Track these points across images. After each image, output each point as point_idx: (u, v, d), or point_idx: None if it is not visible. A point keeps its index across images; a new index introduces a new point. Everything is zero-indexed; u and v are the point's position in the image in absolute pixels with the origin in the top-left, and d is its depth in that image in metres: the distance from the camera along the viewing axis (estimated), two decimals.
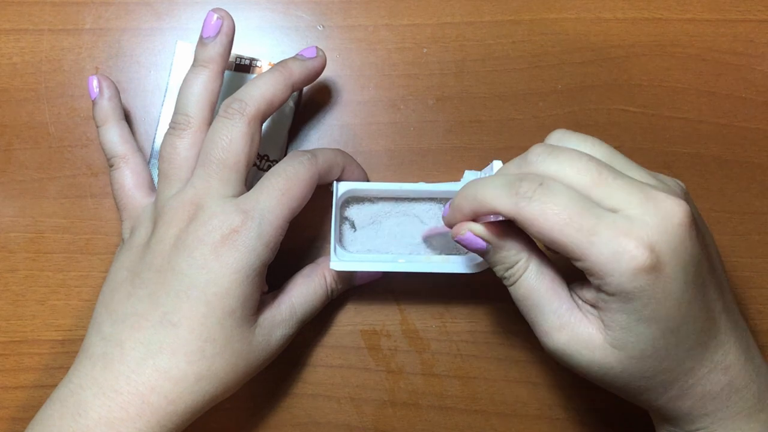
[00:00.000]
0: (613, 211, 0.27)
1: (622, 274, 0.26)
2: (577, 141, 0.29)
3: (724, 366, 0.29)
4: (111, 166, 0.37)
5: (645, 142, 0.41)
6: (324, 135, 0.42)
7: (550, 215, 0.26)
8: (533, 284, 0.30)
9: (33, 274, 0.40)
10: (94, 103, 0.38)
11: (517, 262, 0.30)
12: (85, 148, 0.41)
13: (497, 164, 0.32)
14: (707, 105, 0.42)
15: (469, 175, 0.36)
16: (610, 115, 0.41)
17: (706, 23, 0.42)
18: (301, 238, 0.40)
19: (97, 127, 0.38)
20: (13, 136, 0.41)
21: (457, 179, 0.37)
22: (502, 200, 0.27)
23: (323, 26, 0.42)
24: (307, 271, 0.37)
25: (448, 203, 0.31)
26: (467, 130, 0.41)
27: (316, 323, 0.39)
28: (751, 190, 0.41)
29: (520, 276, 0.30)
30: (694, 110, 0.42)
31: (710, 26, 0.42)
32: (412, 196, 0.37)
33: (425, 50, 0.42)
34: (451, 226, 0.31)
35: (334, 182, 0.36)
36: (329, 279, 0.37)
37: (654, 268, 0.26)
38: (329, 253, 0.35)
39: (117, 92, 0.38)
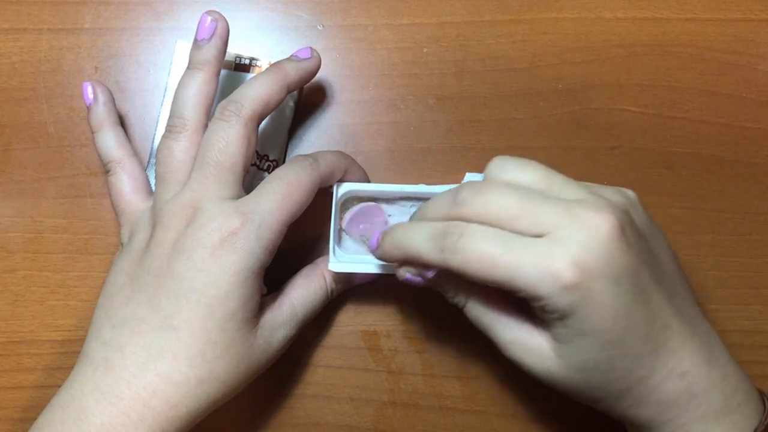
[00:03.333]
0: (541, 235, 0.27)
1: (551, 295, 0.27)
2: (512, 167, 0.30)
3: (679, 372, 0.29)
4: (108, 171, 0.37)
5: (645, 141, 0.41)
6: (324, 135, 0.42)
7: (475, 262, 0.28)
8: (479, 309, 0.32)
9: (32, 274, 0.40)
10: (89, 108, 0.38)
11: (456, 294, 0.32)
12: (84, 148, 0.41)
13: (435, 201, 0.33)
14: (708, 105, 0.42)
15: (469, 177, 0.36)
16: (610, 115, 0.41)
17: (706, 23, 0.42)
18: (301, 238, 0.40)
19: (93, 132, 0.38)
20: (11, 135, 0.41)
21: (457, 179, 0.37)
22: (429, 255, 0.29)
23: (323, 26, 0.42)
24: (306, 271, 0.37)
25: (374, 237, 0.33)
26: (467, 130, 0.41)
27: (316, 324, 0.39)
28: (752, 190, 0.41)
29: (465, 303, 0.32)
30: (695, 110, 0.42)
31: (711, 26, 0.42)
32: (412, 197, 0.37)
33: (425, 50, 0.42)
34: (381, 259, 0.33)
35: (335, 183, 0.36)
36: (329, 279, 0.37)
37: (581, 284, 0.26)
38: (328, 254, 0.35)
39: (111, 97, 0.38)
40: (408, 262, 0.31)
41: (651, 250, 0.30)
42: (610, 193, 0.30)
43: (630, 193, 0.31)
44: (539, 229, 0.28)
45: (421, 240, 0.30)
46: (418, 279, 0.32)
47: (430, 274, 0.31)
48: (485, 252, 0.27)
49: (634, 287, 0.28)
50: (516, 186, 0.29)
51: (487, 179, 0.30)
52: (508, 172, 0.30)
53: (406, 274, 0.32)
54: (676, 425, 0.30)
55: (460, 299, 0.32)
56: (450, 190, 0.30)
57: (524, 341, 0.30)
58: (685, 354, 0.29)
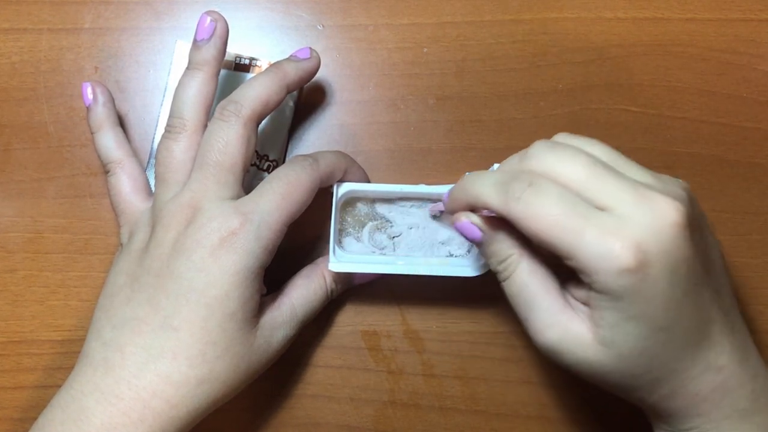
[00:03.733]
0: (605, 209, 0.27)
1: (608, 274, 0.26)
2: (579, 141, 0.30)
3: (716, 366, 0.29)
4: (107, 171, 0.37)
5: (645, 141, 0.41)
6: (324, 135, 0.42)
7: (538, 216, 0.27)
8: (525, 280, 0.30)
9: (32, 274, 0.40)
10: (88, 109, 0.38)
11: (509, 256, 0.30)
12: (84, 148, 0.41)
13: (497, 167, 0.33)
14: (708, 105, 0.42)
15: None
16: (610, 115, 0.41)
17: (707, 22, 0.42)
18: (301, 238, 0.40)
19: (92, 133, 0.38)
20: (11, 135, 0.41)
21: (458, 179, 0.37)
22: (493, 198, 0.28)
23: (323, 26, 0.42)
24: (306, 271, 0.37)
25: (447, 191, 0.32)
26: (467, 130, 0.41)
27: (316, 324, 0.39)
28: (752, 190, 0.41)
29: (513, 271, 0.30)
30: (695, 110, 0.41)
31: (711, 26, 0.42)
32: (412, 197, 0.37)
33: (425, 50, 0.42)
34: (450, 212, 0.32)
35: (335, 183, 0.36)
36: (329, 279, 0.37)
37: (639, 268, 0.26)
38: (328, 254, 0.35)
39: (111, 98, 0.38)
40: (471, 209, 0.31)
41: (706, 245, 0.29)
42: (672, 182, 0.29)
43: (685, 184, 0.30)
44: (605, 202, 0.27)
45: (489, 183, 0.29)
46: (475, 229, 0.31)
47: (486, 213, 0.30)
48: (550, 209, 0.27)
49: (689, 278, 0.27)
50: (587, 153, 0.28)
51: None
52: (574, 143, 0.29)
53: (465, 219, 0.31)
54: (706, 420, 0.29)
55: (507, 265, 0.30)
56: (521, 150, 0.30)
57: (565, 327, 0.29)
58: (724, 349, 0.29)
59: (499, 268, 0.31)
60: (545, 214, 0.27)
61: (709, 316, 0.29)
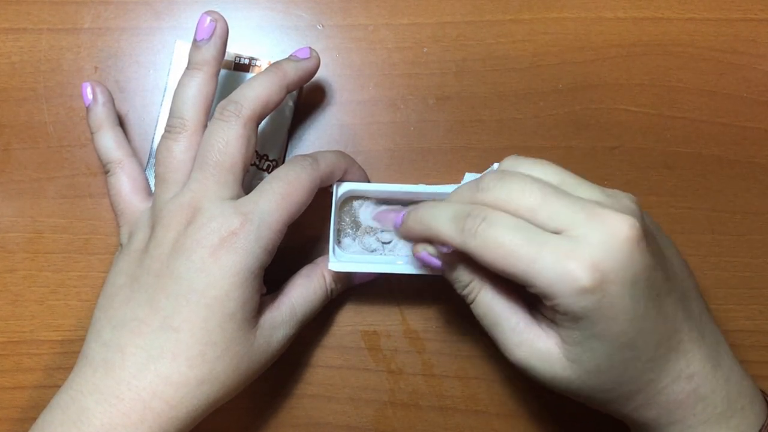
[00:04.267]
0: (559, 232, 0.27)
1: (567, 296, 0.27)
2: (528, 165, 0.30)
3: (687, 375, 0.29)
4: (107, 171, 0.37)
5: (646, 141, 0.41)
6: (323, 135, 0.41)
7: (493, 248, 0.28)
8: (489, 303, 0.31)
9: (32, 274, 0.40)
10: (88, 109, 0.38)
11: (471, 281, 0.31)
12: (84, 148, 0.41)
13: (496, 167, 0.33)
14: (708, 105, 0.42)
15: (469, 177, 0.36)
16: (610, 115, 0.41)
17: (707, 22, 0.42)
18: (301, 238, 0.40)
19: (92, 133, 0.38)
20: (11, 135, 0.41)
21: (458, 179, 0.37)
22: (450, 235, 0.29)
23: (323, 25, 0.42)
24: (306, 271, 0.37)
25: (401, 215, 0.33)
26: (467, 130, 0.41)
27: (316, 324, 0.39)
28: (752, 190, 0.41)
29: (476, 295, 0.31)
30: (695, 110, 0.41)
31: (711, 25, 0.42)
32: (412, 198, 0.37)
33: (425, 50, 0.42)
34: (403, 238, 0.33)
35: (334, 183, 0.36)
36: (328, 279, 0.37)
37: (598, 287, 0.26)
38: (328, 253, 0.35)
39: (111, 98, 0.38)
40: (428, 240, 0.31)
41: (662, 253, 0.30)
42: (621, 196, 0.30)
43: (634, 197, 0.30)
44: (557, 225, 0.27)
45: (444, 218, 0.30)
46: (434, 260, 0.31)
47: (446, 249, 0.30)
48: (505, 240, 0.27)
49: (650, 291, 0.28)
50: (537, 179, 0.29)
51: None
52: (523, 168, 0.30)
53: (423, 251, 0.32)
54: (682, 427, 0.30)
55: (471, 290, 0.31)
56: (474, 179, 0.30)
57: (532, 345, 0.30)
58: (694, 357, 0.29)
59: (464, 293, 0.32)
60: (500, 246, 0.27)
61: (675, 326, 0.29)
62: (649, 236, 0.28)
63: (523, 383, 0.39)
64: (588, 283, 0.26)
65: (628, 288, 0.27)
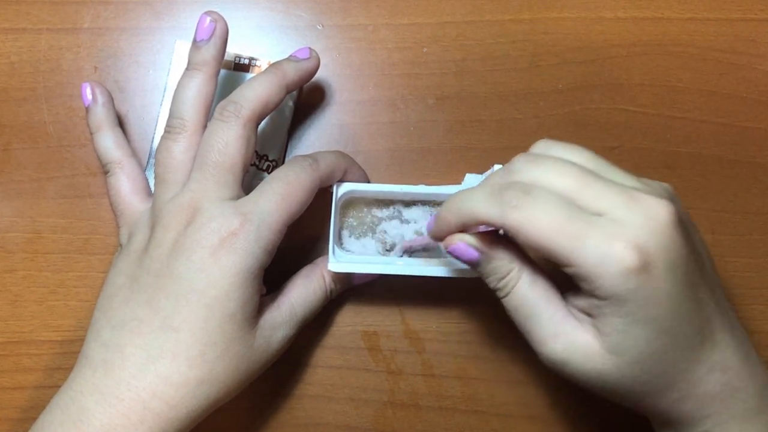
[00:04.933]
0: (599, 214, 0.27)
1: (612, 277, 0.26)
2: (561, 149, 0.29)
3: (722, 366, 0.29)
4: (107, 172, 0.37)
5: (646, 141, 0.41)
6: (323, 135, 0.41)
7: (537, 222, 0.26)
8: (527, 293, 0.30)
9: (31, 274, 0.40)
10: (87, 109, 0.38)
11: (509, 272, 0.30)
12: (84, 148, 0.41)
13: (498, 168, 0.32)
14: (708, 104, 0.41)
15: (470, 178, 0.36)
16: (610, 115, 0.41)
17: (707, 22, 0.42)
18: (301, 238, 0.40)
19: (92, 133, 0.38)
20: (11, 135, 0.41)
21: (458, 179, 0.37)
22: (488, 210, 0.28)
23: (323, 25, 0.42)
24: (305, 271, 0.37)
25: (431, 217, 0.32)
26: (467, 130, 0.41)
27: (316, 324, 0.39)
28: (752, 190, 0.41)
29: (514, 286, 0.30)
30: (695, 110, 0.41)
31: (711, 25, 0.42)
32: (412, 198, 0.37)
33: (425, 50, 0.42)
34: (437, 239, 0.31)
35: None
36: (328, 279, 0.37)
37: (643, 268, 0.26)
38: (328, 254, 0.35)
39: (110, 98, 0.38)
40: (463, 229, 0.30)
41: (695, 244, 0.29)
42: (656, 184, 0.29)
43: (669, 186, 0.30)
44: (597, 208, 0.27)
45: (481, 197, 0.28)
46: (471, 250, 0.30)
47: (482, 228, 0.29)
48: (548, 215, 0.26)
49: (687, 277, 0.27)
50: (572, 162, 0.28)
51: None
52: (556, 152, 0.29)
53: (459, 242, 0.30)
54: (716, 421, 0.29)
55: (509, 278, 0.30)
56: (503, 166, 0.29)
57: (571, 338, 0.29)
58: (727, 348, 0.29)
59: (500, 285, 0.30)
60: (544, 221, 0.26)
61: (708, 315, 0.29)
62: (686, 225, 0.28)
63: (524, 384, 0.39)
64: (634, 264, 0.26)
65: (669, 271, 0.26)
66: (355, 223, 0.38)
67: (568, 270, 0.27)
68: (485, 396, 0.39)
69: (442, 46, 0.42)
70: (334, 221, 0.36)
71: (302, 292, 0.36)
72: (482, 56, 0.42)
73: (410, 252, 0.37)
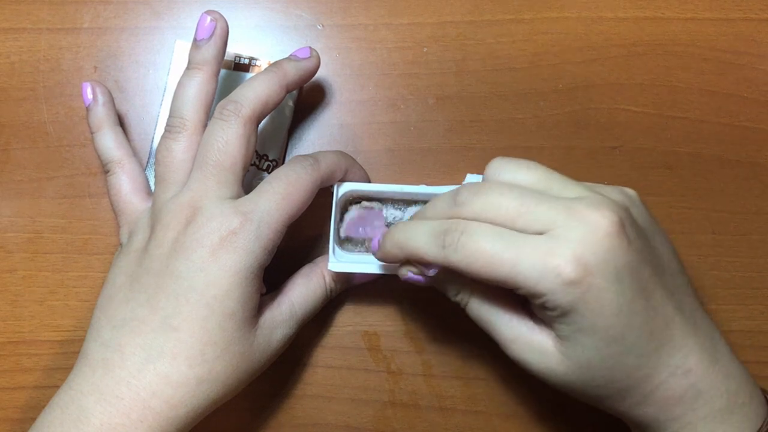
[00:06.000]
0: (541, 233, 0.28)
1: (553, 292, 0.27)
2: (511, 168, 0.30)
3: (684, 370, 0.29)
4: (107, 171, 0.37)
5: (646, 141, 0.41)
6: (323, 134, 0.41)
7: (476, 259, 0.28)
8: (481, 307, 0.32)
9: (31, 274, 0.40)
10: (88, 109, 0.38)
11: (459, 291, 0.32)
12: (84, 148, 0.41)
13: (469, 179, 0.34)
14: (709, 104, 0.41)
15: (470, 179, 0.36)
16: (611, 115, 0.41)
17: (707, 22, 0.42)
18: (301, 238, 0.40)
19: (92, 133, 0.38)
20: (11, 135, 0.41)
21: (457, 179, 0.37)
22: (430, 252, 0.29)
23: (323, 25, 0.42)
24: (305, 271, 0.37)
25: (375, 239, 0.33)
26: (468, 130, 0.41)
27: (316, 324, 0.39)
28: (753, 190, 0.41)
29: (468, 299, 0.32)
30: (696, 110, 0.41)
31: (712, 25, 0.42)
32: (412, 198, 0.37)
33: (425, 49, 0.42)
34: (383, 261, 0.33)
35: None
36: (328, 279, 0.37)
37: (582, 278, 0.27)
38: (328, 253, 0.35)
39: (111, 98, 0.38)
40: (410, 261, 0.31)
41: (652, 247, 0.30)
42: (610, 191, 0.30)
43: (630, 191, 0.31)
44: (539, 227, 0.28)
45: (422, 238, 0.30)
46: (419, 278, 0.32)
47: (432, 272, 0.31)
48: (486, 249, 0.28)
49: (636, 283, 0.28)
50: (515, 186, 0.29)
51: (486, 180, 0.31)
52: (507, 172, 0.30)
53: (408, 273, 0.32)
54: (682, 424, 0.30)
55: (462, 297, 0.32)
56: (449, 191, 0.31)
57: (527, 339, 0.30)
58: (689, 351, 0.29)
59: (455, 299, 0.32)
60: (482, 256, 0.28)
61: (665, 320, 0.29)
62: (634, 229, 0.28)
63: (523, 383, 0.39)
64: (571, 276, 0.26)
65: (612, 281, 0.27)
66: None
67: (519, 292, 0.28)
68: (485, 396, 0.39)
69: (442, 46, 0.42)
70: (334, 221, 0.36)
71: (302, 291, 0.36)
72: (482, 56, 0.42)
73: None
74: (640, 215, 0.30)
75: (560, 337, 0.29)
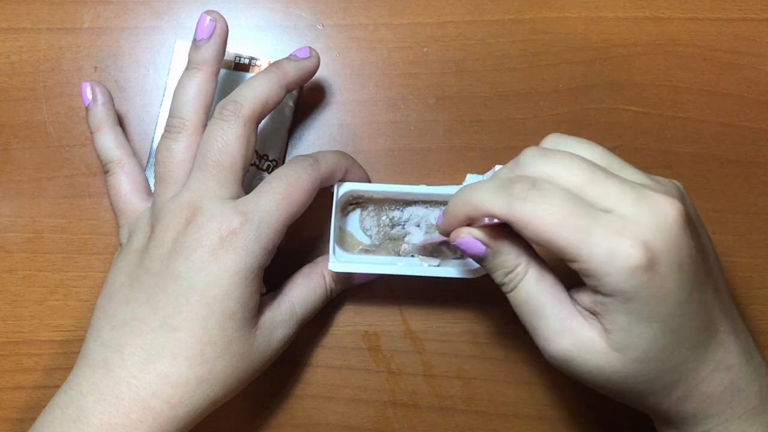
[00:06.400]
0: (607, 211, 0.27)
1: (618, 274, 0.26)
2: (572, 143, 0.29)
3: (726, 365, 0.29)
4: (107, 171, 0.37)
5: (646, 141, 0.41)
6: (323, 134, 0.41)
7: (544, 216, 0.26)
8: (533, 289, 0.29)
9: (31, 274, 0.40)
10: (87, 109, 0.38)
11: (516, 266, 0.30)
12: (84, 148, 0.41)
13: (499, 168, 0.32)
14: (709, 104, 0.41)
15: (471, 179, 0.36)
16: (611, 115, 0.41)
17: (707, 22, 0.42)
18: (301, 238, 0.40)
19: (92, 133, 0.38)
20: (11, 135, 0.41)
21: (458, 179, 0.37)
22: (495, 202, 0.27)
23: (323, 25, 0.42)
24: (305, 270, 0.37)
25: (441, 212, 0.31)
26: (468, 130, 0.41)
27: (316, 324, 0.39)
28: (753, 190, 0.41)
29: (520, 281, 0.30)
30: (696, 110, 0.41)
31: (712, 25, 0.42)
32: (413, 198, 0.37)
33: (425, 49, 0.42)
34: (445, 233, 0.31)
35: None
36: (328, 279, 0.37)
37: (650, 266, 0.26)
38: (328, 253, 0.35)
39: (110, 98, 0.38)
40: (471, 222, 0.29)
41: (702, 243, 0.29)
42: (666, 182, 0.29)
43: (679, 184, 0.30)
44: (605, 204, 0.27)
45: (489, 189, 0.28)
46: (478, 244, 0.29)
47: (488, 220, 0.28)
48: (555, 210, 0.26)
49: (694, 276, 0.27)
50: (581, 157, 0.28)
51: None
52: (567, 146, 0.29)
53: (466, 236, 0.29)
54: (718, 421, 0.29)
55: (513, 276, 0.30)
56: (511, 160, 0.29)
57: (575, 333, 0.28)
58: (730, 347, 0.29)
59: (506, 279, 0.30)
60: (551, 215, 0.26)
61: (713, 315, 0.29)
62: (694, 224, 0.28)
63: (524, 384, 0.39)
64: (641, 262, 0.25)
65: (675, 270, 0.26)
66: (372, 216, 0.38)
67: (574, 266, 0.27)
68: (485, 396, 0.39)
69: (442, 46, 0.42)
70: (335, 221, 0.36)
71: (302, 291, 0.36)
72: (482, 56, 0.42)
73: (425, 250, 0.37)
74: (691, 209, 0.29)
75: (612, 330, 0.27)
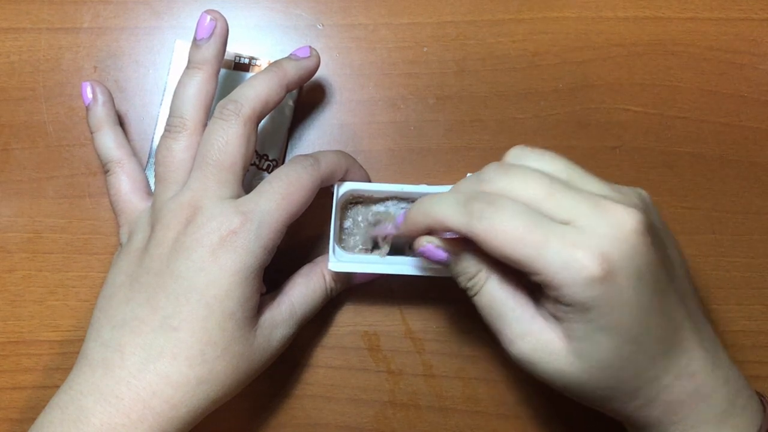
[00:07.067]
0: (565, 223, 0.27)
1: (575, 285, 0.26)
2: (534, 157, 0.30)
3: (689, 373, 0.29)
4: (107, 171, 0.37)
5: (646, 141, 0.41)
6: (323, 134, 0.41)
7: (501, 233, 0.27)
8: (495, 293, 0.30)
9: (31, 274, 0.40)
10: (87, 109, 0.38)
11: (478, 272, 0.30)
12: (84, 148, 0.41)
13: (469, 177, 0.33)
14: (709, 104, 0.41)
15: None
16: (611, 115, 0.41)
17: (707, 22, 0.42)
18: (301, 238, 0.40)
19: (92, 132, 0.38)
20: (10, 135, 0.41)
21: (458, 179, 0.37)
22: (455, 219, 0.28)
23: (323, 25, 0.42)
24: (305, 270, 0.37)
25: (402, 213, 0.32)
26: (468, 130, 0.41)
27: (316, 324, 0.39)
28: (753, 190, 0.41)
29: (482, 286, 0.30)
30: (696, 109, 0.41)
31: (712, 25, 0.42)
32: (413, 197, 0.37)
33: (425, 49, 0.42)
34: (404, 236, 0.32)
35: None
36: (328, 278, 0.37)
37: (606, 276, 0.26)
38: (328, 253, 0.35)
39: (111, 97, 0.38)
40: (431, 232, 0.30)
41: (666, 252, 0.30)
42: (628, 191, 0.29)
43: (644, 193, 0.30)
44: (564, 216, 0.27)
45: (448, 205, 0.29)
46: (439, 252, 0.30)
47: (449, 235, 0.30)
48: (513, 224, 0.27)
49: (654, 285, 0.27)
50: (541, 171, 0.29)
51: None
52: (529, 160, 0.30)
53: (427, 244, 0.31)
54: (684, 426, 0.29)
55: (475, 282, 0.30)
56: (474, 173, 0.30)
57: (537, 337, 0.29)
58: (694, 355, 0.29)
59: (468, 285, 0.31)
60: (507, 231, 0.27)
61: (676, 323, 0.29)
62: (654, 232, 0.28)
63: (524, 384, 0.39)
64: (596, 272, 0.26)
65: (634, 280, 0.27)
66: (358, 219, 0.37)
67: (534, 278, 0.27)
68: (485, 396, 0.39)
69: (442, 46, 0.42)
70: (335, 221, 0.36)
71: (302, 291, 0.36)
72: (482, 56, 0.42)
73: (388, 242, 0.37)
74: (655, 217, 0.30)
75: (572, 337, 0.28)
